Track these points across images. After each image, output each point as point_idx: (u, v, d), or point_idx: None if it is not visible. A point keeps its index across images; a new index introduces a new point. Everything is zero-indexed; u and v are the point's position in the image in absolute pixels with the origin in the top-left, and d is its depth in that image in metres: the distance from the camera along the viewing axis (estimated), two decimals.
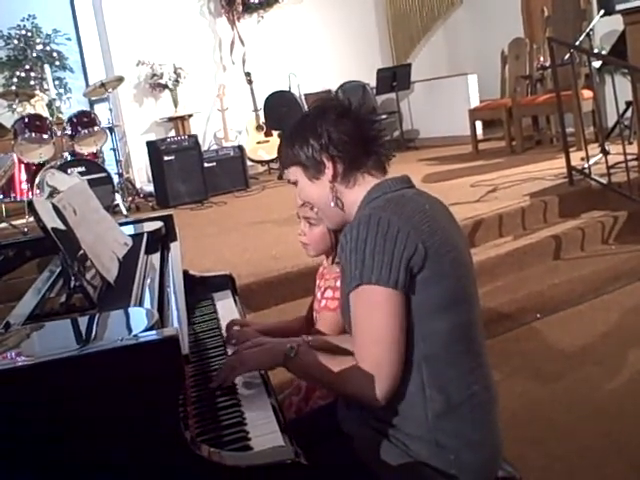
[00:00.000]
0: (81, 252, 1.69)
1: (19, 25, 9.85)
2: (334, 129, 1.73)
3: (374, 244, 1.57)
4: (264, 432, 1.49)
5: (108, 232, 2.06)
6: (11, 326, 1.50)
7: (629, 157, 5.37)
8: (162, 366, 1.25)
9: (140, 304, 1.66)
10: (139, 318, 1.45)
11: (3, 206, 6.97)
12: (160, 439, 1.25)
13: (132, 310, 1.55)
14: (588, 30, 6.32)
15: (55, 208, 1.69)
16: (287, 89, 9.14)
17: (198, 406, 1.65)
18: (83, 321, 1.49)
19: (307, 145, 1.75)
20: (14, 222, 6.70)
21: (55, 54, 10.08)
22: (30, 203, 1.63)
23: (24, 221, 6.56)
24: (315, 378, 1.76)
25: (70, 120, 7.26)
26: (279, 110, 8.46)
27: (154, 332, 1.29)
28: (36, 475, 1.22)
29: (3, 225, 6.70)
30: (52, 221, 1.65)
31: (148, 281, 1.89)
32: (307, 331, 2.18)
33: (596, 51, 7.47)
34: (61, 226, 1.67)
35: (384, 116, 9.20)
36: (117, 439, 1.24)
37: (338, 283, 2.06)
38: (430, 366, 1.62)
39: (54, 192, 1.82)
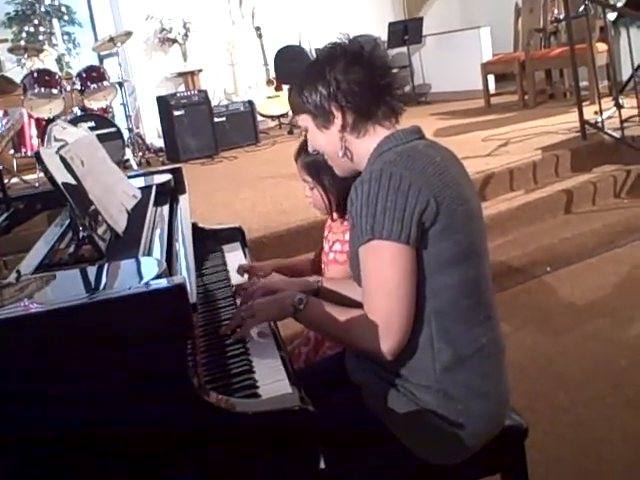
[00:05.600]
0: (89, 203, 1.69)
1: None
2: (343, 77, 1.68)
3: (386, 199, 1.55)
4: (272, 380, 1.50)
5: (117, 184, 2.06)
6: (21, 275, 1.50)
7: None
8: (170, 314, 1.25)
9: (148, 255, 1.66)
10: (147, 267, 1.44)
11: (14, 161, 6.98)
12: (168, 386, 1.26)
13: (140, 260, 1.55)
14: None
15: (62, 159, 1.68)
16: (297, 43, 9.04)
17: (207, 355, 1.67)
18: (92, 270, 1.50)
19: (315, 92, 1.71)
20: (25, 177, 6.71)
21: (63, 8, 10.02)
22: (37, 154, 1.62)
23: (35, 176, 6.57)
24: (324, 330, 1.77)
25: (79, 75, 7.22)
26: (289, 64, 8.37)
27: (162, 280, 1.29)
28: (47, 420, 1.24)
29: (14, 180, 6.71)
30: (59, 172, 1.64)
31: (157, 232, 1.89)
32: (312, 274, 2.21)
33: (611, 3, 7.33)
34: (69, 177, 1.67)
35: (395, 70, 9.10)
36: (125, 386, 1.24)
37: (347, 236, 2.07)
38: (439, 319, 1.62)
39: (63, 146, 1.81)
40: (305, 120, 1.79)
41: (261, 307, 1.76)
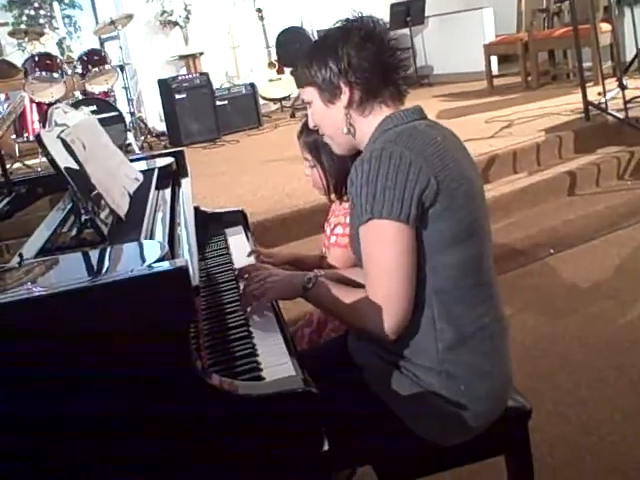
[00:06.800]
0: (91, 186, 1.69)
1: None
2: (355, 54, 1.68)
3: (385, 178, 1.55)
4: (276, 363, 1.50)
5: (118, 167, 2.05)
6: (24, 259, 1.50)
7: None
8: (172, 297, 1.25)
9: (151, 238, 1.65)
10: (149, 250, 1.44)
11: (16, 146, 6.97)
12: (171, 369, 1.26)
13: (142, 243, 1.55)
14: None
15: (64, 142, 1.68)
16: (299, 25, 8.99)
17: (210, 338, 1.67)
18: (94, 254, 1.49)
19: (325, 67, 1.70)
20: (27, 162, 6.70)
21: None
22: (38, 136, 1.61)
23: (37, 161, 6.56)
24: (330, 309, 1.79)
25: (80, 59, 7.19)
26: (291, 47, 8.33)
27: (164, 263, 1.29)
28: (50, 404, 1.24)
29: (17, 165, 6.70)
30: (61, 155, 1.64)
31: (159, 216, 1.89)
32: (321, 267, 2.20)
33: None
34: (70, 160, 1.66)
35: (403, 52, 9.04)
36: (127, 369, 1.25)
37: (348, 219, 2.06)
38: (441, 299, 1.62)
39: (64, 129, 1.80)
40: (310, 93, 1.78)
41: (272, 285, 1.77)
